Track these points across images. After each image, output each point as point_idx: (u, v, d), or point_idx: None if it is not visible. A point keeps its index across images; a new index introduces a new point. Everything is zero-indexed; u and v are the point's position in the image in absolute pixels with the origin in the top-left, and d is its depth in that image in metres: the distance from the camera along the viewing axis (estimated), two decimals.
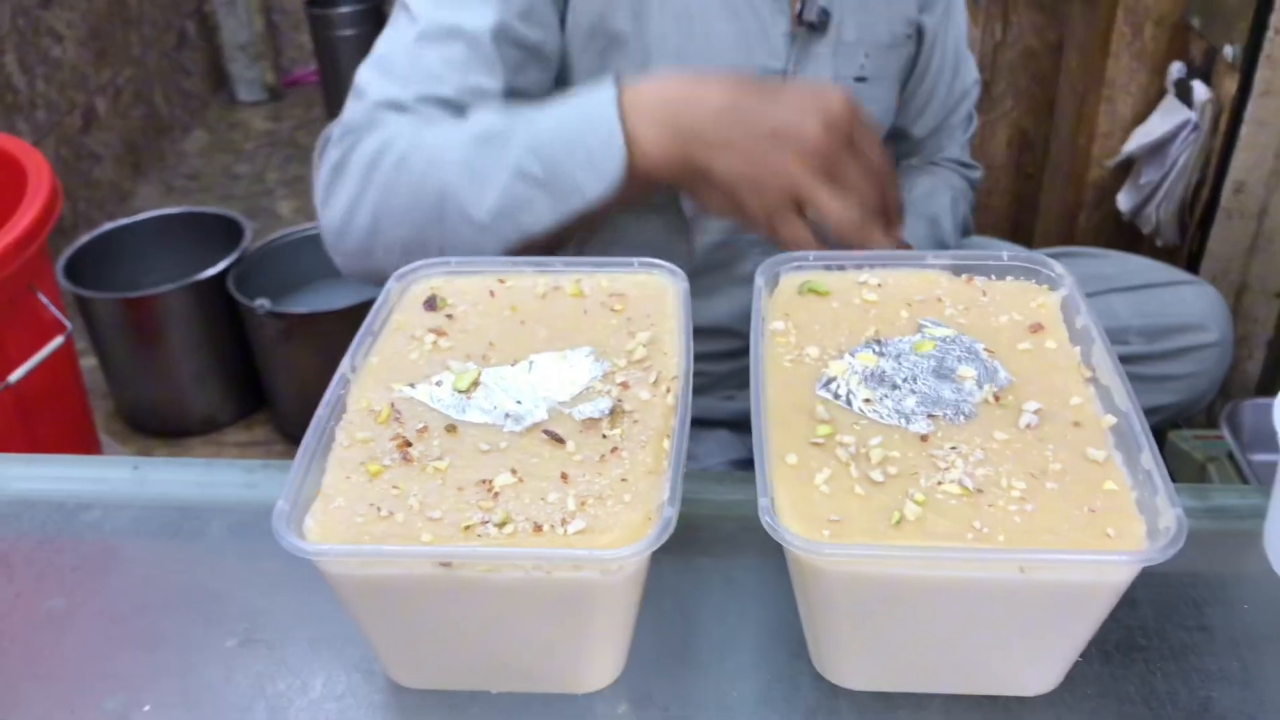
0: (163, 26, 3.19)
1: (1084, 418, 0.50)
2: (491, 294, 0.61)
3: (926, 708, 0.50)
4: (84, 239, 2.01)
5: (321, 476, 0.49)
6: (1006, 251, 0.60)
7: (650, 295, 0.59)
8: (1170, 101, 1.57)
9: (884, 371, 0.53)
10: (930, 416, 0.51)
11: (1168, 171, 1.55)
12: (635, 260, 0.61)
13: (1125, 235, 1.68)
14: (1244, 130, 1.44)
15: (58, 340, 1.29)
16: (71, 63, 2.78)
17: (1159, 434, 1.29)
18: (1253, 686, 0.50)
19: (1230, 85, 1.46)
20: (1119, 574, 0.44)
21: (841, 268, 0.61)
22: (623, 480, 0.48)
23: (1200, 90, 1.50)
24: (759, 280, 0.59)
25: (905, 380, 0.53)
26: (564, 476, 0.48)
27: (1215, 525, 0.58)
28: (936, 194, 1.08)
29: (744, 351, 0.55)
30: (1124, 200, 1.65)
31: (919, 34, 1.02)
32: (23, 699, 0.52)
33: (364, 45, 3.09)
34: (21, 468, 0.66)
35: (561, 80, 0.89)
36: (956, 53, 1.08)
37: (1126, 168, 1.66)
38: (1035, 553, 0.43)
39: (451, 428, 0.52)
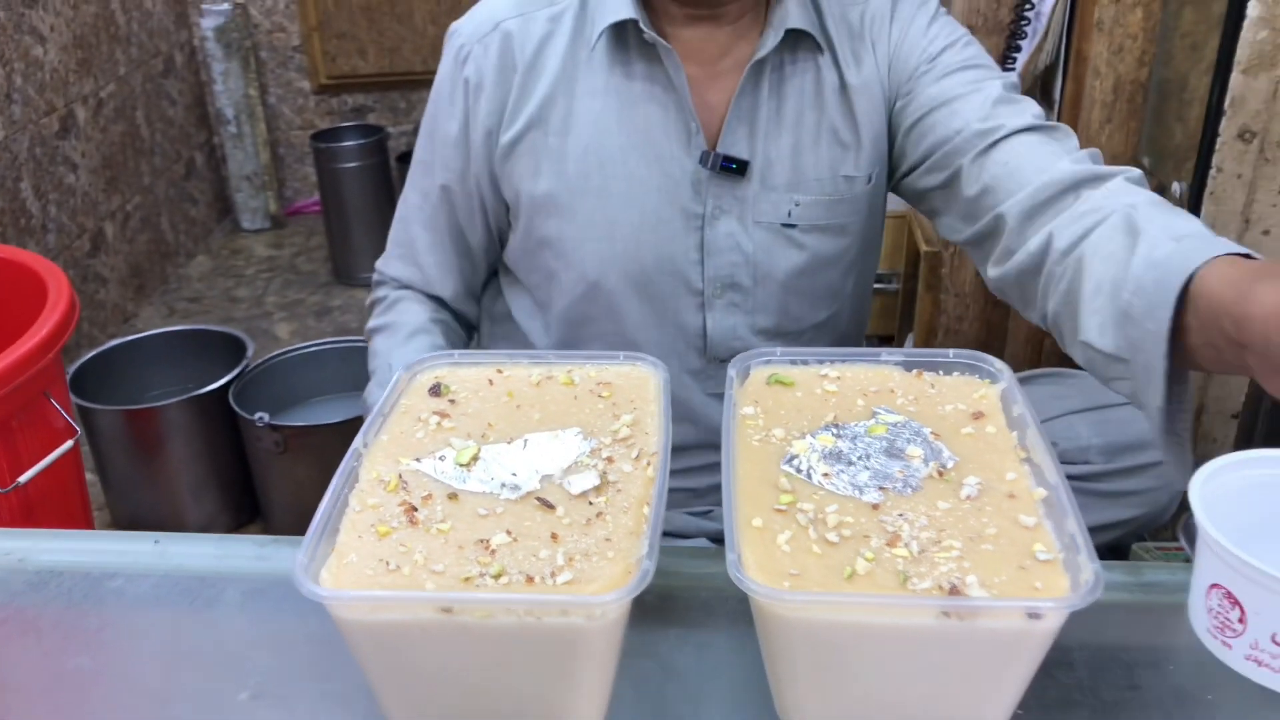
0: (173, 157, 3.33)
1: (1018, 491, 0.57)
2: (490, 382, 0.67)
3: None
4: (90, 354, 2.07)
5: (335, 536, 0.55)
6: (952, 351, 0.67)
7: (634, 383, 0.66)
8: None
9: (841, 450, 0.60)
10: (881, 489, 0.57)
11: None
12: (621, 354, 0.68)
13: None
14: None
15: (68, 444, 1.34)
16: (84, 190, 2.90)
17: (1123, 547, 1.34)
18: None
19: None
20: (1045, 622, 0.49)
21: (805, 363, 0.68)
22: (607, 540, 0.54)
23: None
24: (731, 372, 0.66)
25: (860, 458, 0.59)
26: (554, 536, 0.54)
27: (1146, 597, 0.64)
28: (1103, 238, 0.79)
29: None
30: None
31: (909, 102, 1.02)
32: None
33: (365, 177, 3.24)
34: (49, 541, 0.71)
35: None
36: (988, 97, 0.96)
37: None
38: (964, 601, 0.49)
39: (453, 495, 0.58)
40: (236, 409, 1.89)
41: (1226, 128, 1.45)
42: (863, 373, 0.67)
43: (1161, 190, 1.62)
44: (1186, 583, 0.62)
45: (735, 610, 0.50)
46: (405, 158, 3.43)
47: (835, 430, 0.61)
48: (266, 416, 1.84)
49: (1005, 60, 1.71)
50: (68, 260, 2.80)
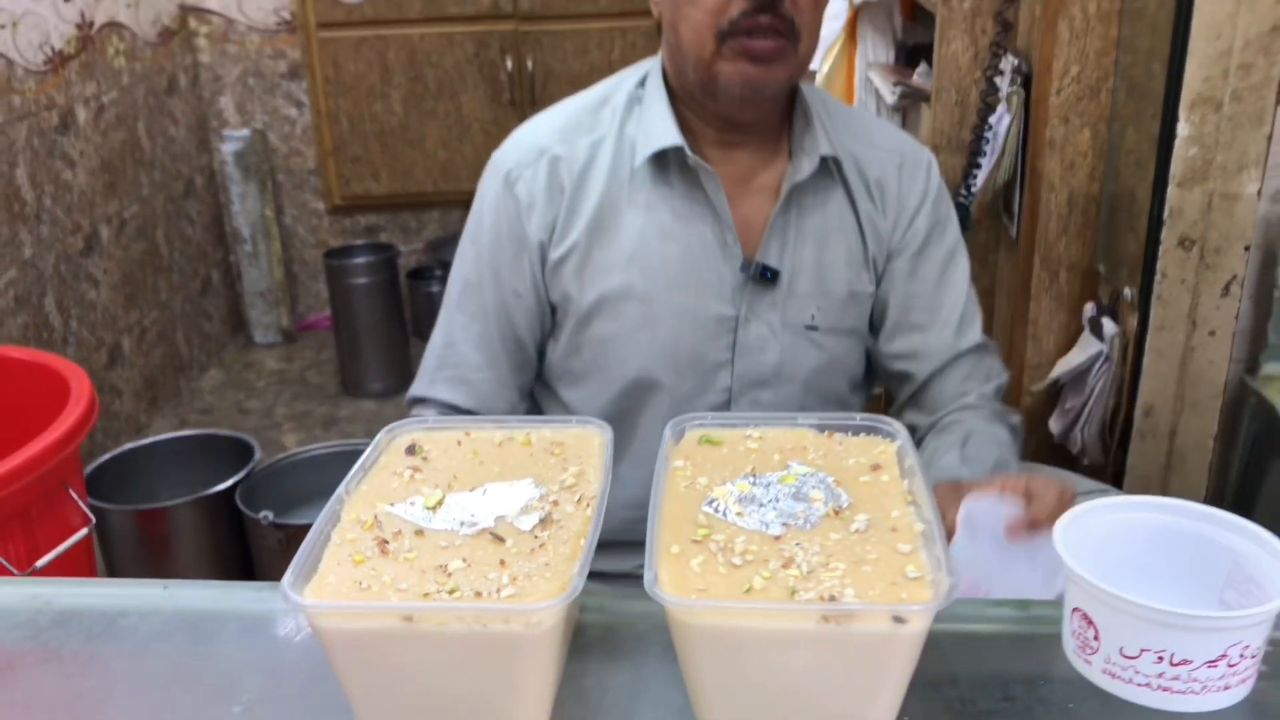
0: (190, 274, 3.51)
1: (900, 525, 0.67)
2: (459, 443, 0.79)
3: None
4: (104, 457, 2.20)
5: (318, 564, 0.66)
6: (859, 415, 0.78)
7: (582, 442, 0.77)
8: (1086, 336, 1.79)
9: (755, 495, 0.70)
10: (784, 524, 0.67)
11: (1087, 398, 1.76)
12: (573, 418, 0.80)
13: (1059, 456, 1.86)
14: (1146, 360, 1.65)
15: (83, 531, 1.45)
16: (104, 305, 3.06)
17: None
18: None
19: (1132, 321, 1.68)
20: (910, 626, 0.59)
21: (733, 425, 0.79)
22: (546, 565, 0.64)
23: (1109, 326, 1.73)
24: (667, 433, 0.77)
25: (770, 501, 0.70)
26: (502, 562, 0.65)
27: (1031, 628, 0.73)
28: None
29: None
30: (1054, 424, 1.84)
31: (886, 278, 1.22)
32: None
33: (375, 292, 3.43)
34: (71, 588, 0.82)
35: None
36: (953, 310, 1.25)
37: (1055, 395, 1.86)
38: (838, 606, 0.59)
39: (419, 532, 0.68)
40: (242, 508, 2.00)
41: (1167, 237, 1.58)
42: (782, 434, 0.78)
43: (1116, 296, 1.75)
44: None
45: (666, 641, 0.60)
46: (416, 274, 3.61)
47: (752, 479, 0.72)
48: (271, 515, 1.95)
49: (968, 176, 1.86)
50: (85, 372, 2.95)
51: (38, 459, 1.38)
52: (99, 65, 3.07)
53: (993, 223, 1.97)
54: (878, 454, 0.75)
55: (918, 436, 1.27)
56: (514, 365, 1.20)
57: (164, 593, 0.80)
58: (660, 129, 1.13)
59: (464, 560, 0.65)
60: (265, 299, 3.66)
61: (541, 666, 0.63)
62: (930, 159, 1.29)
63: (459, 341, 1.20)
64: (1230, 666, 0.64)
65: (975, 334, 1.29)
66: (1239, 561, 0.69)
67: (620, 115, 1.17)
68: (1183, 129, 1.52)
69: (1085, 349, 1.78)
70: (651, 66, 1.21)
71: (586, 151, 1.16)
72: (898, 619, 0.59)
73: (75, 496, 1.47)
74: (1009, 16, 1.79)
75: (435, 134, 3.59)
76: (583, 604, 0.77)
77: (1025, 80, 1.76)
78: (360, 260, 3.39)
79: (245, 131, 3.53)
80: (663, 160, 1.14)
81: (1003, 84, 1.77)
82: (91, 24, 3.05)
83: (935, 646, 0.68)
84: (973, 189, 1.83)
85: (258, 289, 3.65)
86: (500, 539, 0.67)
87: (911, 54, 2.22)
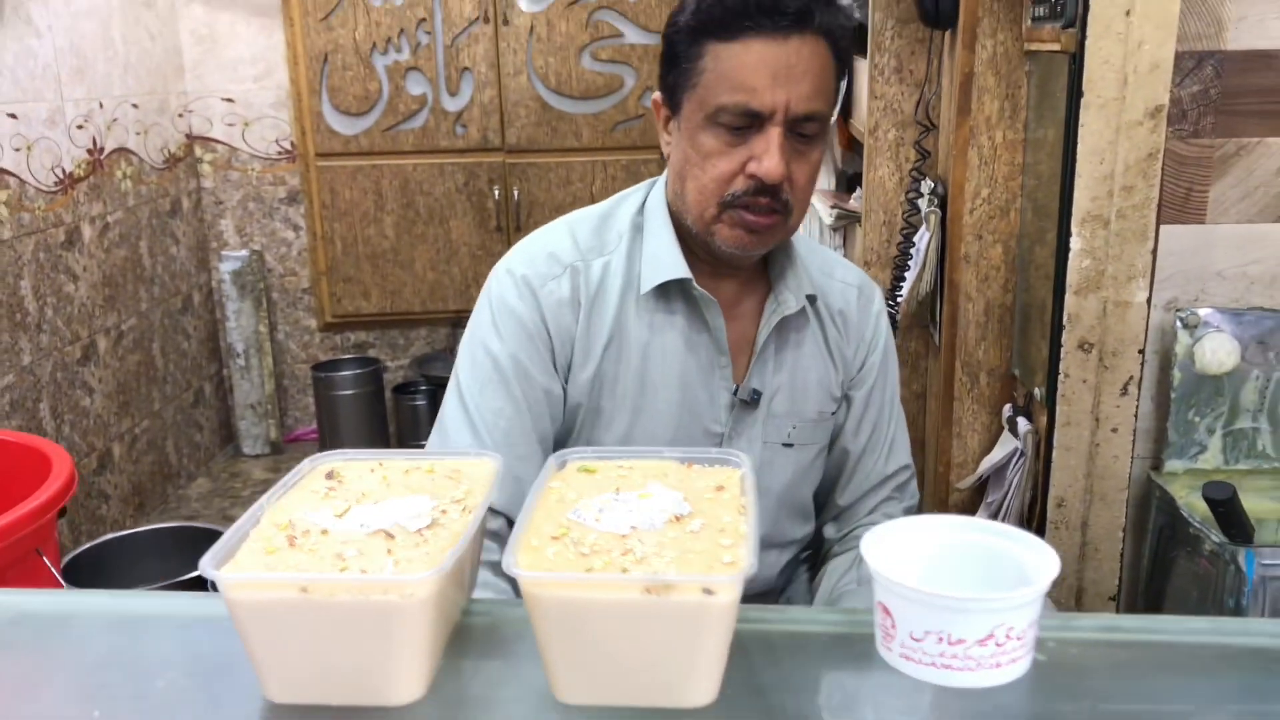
0: (183, 386, 3.66)
1: (728, 528, 0.80)
2: (372, 470, 0.92)
3: (621, 716, 0.75)
4: (84, 545, 2.31)
5: (234, 553, 0.78)
6: (715, 450, 0.91)
7: (478, 469, 0.91)
8: (1005, 435, 1.93)
9: (614, 506, 0.83)
10: (632, 526, 0.80)
11: (1007, 491, 1.88)
12: (474, 451, 0.93)
13: None
14: (1055, 455, 1.78)
15: None
16: (97, 412, 3.21)
17: None
18: (839, 712, 0.76)
19: (1043, 419, 1.82)
20: (718, 597, 0.71)
21: (609, 458, 0.92)
22: (426, 553, 0.77)
23: (1023, 424, 1.86)
24: (551, 462, 0.90)
25: (626, 511, 0.83)
26: (389, 551, 0.77)
27: (852, 630, 0.85)
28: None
29: None
30: (979, 518, 1.96)
31: (845, 401, 1.36)
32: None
33: (360, 404, 3.62)
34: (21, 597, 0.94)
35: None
36: (888, 438, 1.38)
37: (980, 490, 1.99)
38: (657, 577, 0.72)
39: (325, 531, 0.81)
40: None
41: (1068, 340, 1.73)
42: (650, 464, 0.91)
43: (1029, 397, 1.89)
44: None
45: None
46: (401, 389, 3.76)
47: (615, 496, 0.85)
48: None
49: (895, 286, 2.02)
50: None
51: (16, 525, 1.50)
52: (106, 187, 3.29)
53: (921, 332, 2.13)
54: (724, 478, 0.88)
55: (826, 548, 1.40)
56: (538, 463, 1.23)
57: (108, 600, 0.92)
58: (669, 260, 1.24)
59: (358, 551, 0.78)
60: (255, 411, 3.81)
61: (418, 636, 0.75)
62: (880, 296, 1.43)
63: (490, 434, 1.24)
64: (999, 645, 0.76)
65: (901, 457, 1.41)
66: (1021, 567, 0.82)
67: (627, 240, 1.28)
68: (1075, 242, 1.69)
69: (1004, 446, 1.92)
70: (651, 195, 1.32)
71: (600, 271, 1.26)
72: (707, 590, 0.72)
73: (49, 563, 1.58)
74: (927, 145, 1.98)
75: (425, 256, 3.80)
76: (469, 608, 0.89)
77: (942, 201, 1.94)
78: (347, 373, 3.55)
79: (244, 252, 3.74)
80: (667, 287, 1.25)
81: (922, 205, 1.95)
82: (102, 150, 3.28)
83: (765, 646, 0.80)
84: (898, 299, 1.99)
85: (248, 401, 3.80)
86: (391, 535, 0.80)
87: (851, 181, 2.42)
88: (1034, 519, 1.86)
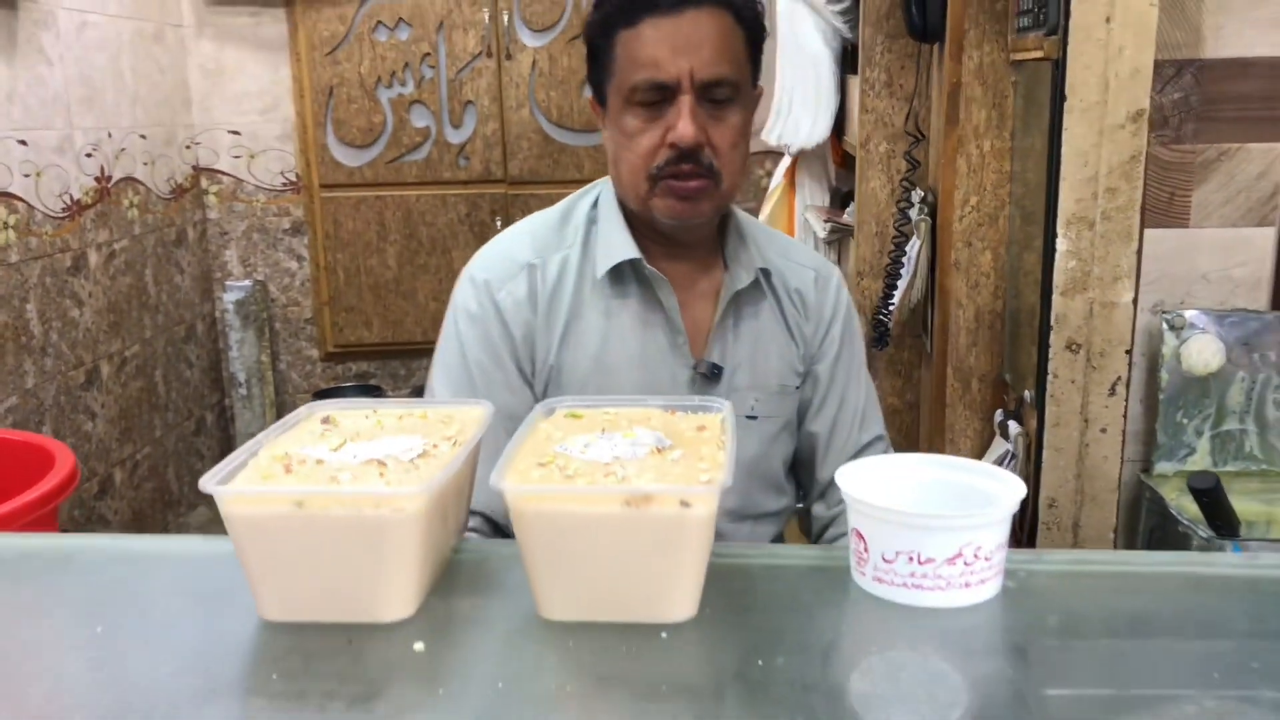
0: (185, 414, 3.71)
1: (708, 458, 0.84)
2: (366, 417, 0.96)
3: (607, 634, 0.78)
4: None
5: (233, 478, 0.82)
6: (698, 398, 0.95)
7: (469, 414, 0.95)
8: (996, 439, 1.96)
9: (599, 442, 0.87)
10: (615, 457, 0.84)
11: None
12: (466, 401, 0.97)
13: None
14: (1046, 455, 1.82)
15: None
16: (99, 437, 3.25)
17: None
18: (814, 630, 0.79)
19: (1033, 421, 1.86)
20: (694, 510, 0.75)
21: (595, 406, 0.96)
22: (418, 475, 0.81)
23: (1014, 427, 1.90)
24: (538, 409, 0.94)
25: (610, 446, 0.87)
26: (381, 474, 0.81)
27: (828, 562, 0.89)
28: None
29: None
30: None
31: (810, 378, 1.41)
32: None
33: None
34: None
35: None
36: (858, 408, 1.43)
37: None
38: (637, 488, 0.75)
39: (320, 461, 0.85)
40: None
41: (1055, 341, 1.78)
42: (634, 411, 0.95)
43: (1020, 401, 1.93)
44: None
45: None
46: None
47: (601, 435, 0.89)
48: None
49: (887, 295, 2.07)
50: (74, 500, 3.10)
51: (16, 513, 1.54)
52: (113, 215, 3.36)
53: (914, 341, 2.17)
54: (706, 421, 0.92)
55: (820, 527, 1.44)
56: None
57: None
58: (619, 244, 1.32)
59: (353, 475, 0.82)
60: None
61: (408, 553, 0.79)
62: (839, 275, 1.49)
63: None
64: (967, 565, 0.79)
65: (875, 428, 1.46)
66: (990, 496, 0.85)
67: (582, 233, 1.36)
68: (1061, 244, 1.73)
69: (995, 450, 1.95)
70: (602, 188, 1.40)
71: (558, 266, 1.34)
72: (684, 503, 0.75)
73: None
74: (917, 155, 2.04)
75: (427, 286, 3.86)
76: (458, 547, 0.92)
77: (932, 210, 2.00)
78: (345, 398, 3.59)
79: (247, 282, 3.80)
80: (621, 272, 1.32)
81: (913, 214, 2.00)
82: (109, 178, 3.35)
83: (744, 574, 0.84)
84: (890, 308, 2.04)
85: (249, 431, 3.84)
86: (383, 464, 0.84)
87: (845, 198, 2.48)
88: (1025, 520, 1.89)
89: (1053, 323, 1.77)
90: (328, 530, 0.77)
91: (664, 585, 0.78)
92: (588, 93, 1.38)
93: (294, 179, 3.82)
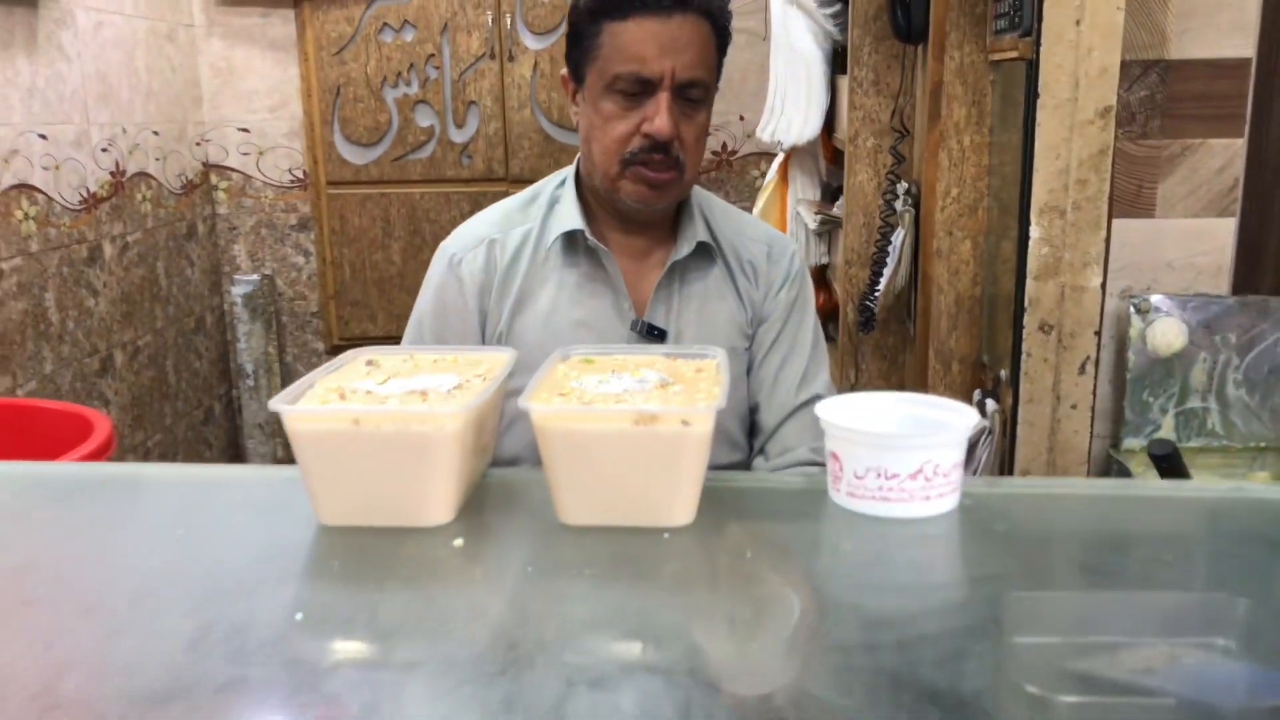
0: (194, 403, 3.84)
1: (705, 392, 0.98)
2: (404, 361, 1.10)
3: (617, 535, 0.92)
4: None
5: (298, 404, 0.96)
6: (695, 346, 1.09)
7: (497, 358, 1.09)
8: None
9: (611, 380, 1.01)
10: (625, 390, 0.98)
11: (976, 468, 2.05)
12: (491, 348, 1.11)
13: None
14: (1020, 430, 1.96)
15: None
16: (113, 423, 3.38)
17: None
18: (796, 535, 0.93)
19: (1008, 399, 2.00)
20: (693, 428, 0.89)
21: (606, 354, 1.10)
22: (456, 401, 0.95)
23: (990, 405, 2.04)
24: (555, 355, 1.08)
25: (620, 383, 1.01)
26: (424, 398, 0.95)
27: (809, 486, 1.03)
28: None
29: None
30: None
31: (755, 340, 1.56)
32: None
33: None
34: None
35: None
36: (799, 370, 1.56)
37: None
38: (645, 409, 0.89)
39: (370, 392, 0.99)
40: None
41: (1029, 322, 1.92)
42: (641, 358, 1.09)
43: (998, 383, 2.07)
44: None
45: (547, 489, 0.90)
46: None
47: (611, 375, 1.03)
48: None
49: (874, 282, 2.21)
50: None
51: None
52: (127, 208, 3.50)
53: (899, 326, 2.32)
54: (703, 364, 1.06)
55: None
56: None
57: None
58: (568, 217, 1.49)
59: (399, 400, 0.96)
60: (263, 430, 3.98)
61: (448, 465, 0.92)
62: (795, 249, 1.64)
63: None
64: (928, 480, 0.93)
65: (815, 388, 1.58)
66: (948, 425, 0.99)
67: (544, 210, 1.54)
68: (1034, 231, 1.88)
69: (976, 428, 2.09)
70: (569, 169, 1.58)
71: (518, 239, 1.52)
72: (685, 422, 0.89)
73: None
74: (902, 150, 2.18)
75: None
76: (487, 473, 1.06)
77: (916, 201, 2.14)
78: None
79: (255, 276, 3.94)
80: (572, 243, 1.50)
81: (898, 205, 2.15)
82: (124, 172, 3.49)
83: (736, 492, 0.98)
84: (876, 293, 2.18)
85: (256, 421, 3.97)
86: (424, 393, 0.98)
87: (835, 193, 2.63)
88: None
89: (1026, 305, 1.91)
90: (379, 445, 0.91)
91: (666, 494, 0.92)
92: (562, 71, 1.53)
93: (301, 176, 3.96)
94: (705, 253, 1.52)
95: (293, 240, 4.01)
